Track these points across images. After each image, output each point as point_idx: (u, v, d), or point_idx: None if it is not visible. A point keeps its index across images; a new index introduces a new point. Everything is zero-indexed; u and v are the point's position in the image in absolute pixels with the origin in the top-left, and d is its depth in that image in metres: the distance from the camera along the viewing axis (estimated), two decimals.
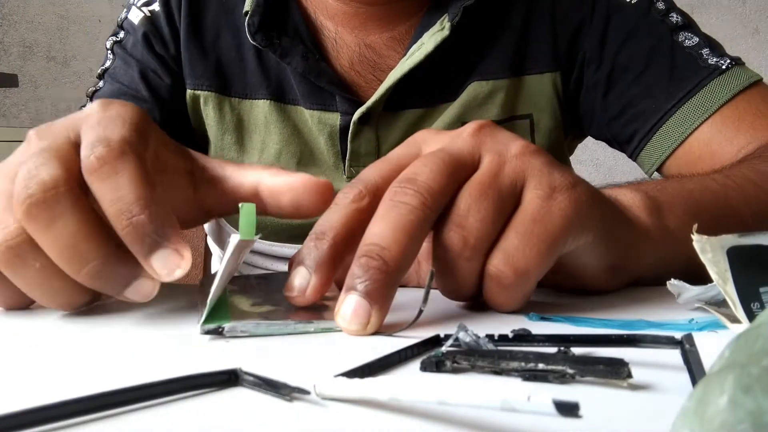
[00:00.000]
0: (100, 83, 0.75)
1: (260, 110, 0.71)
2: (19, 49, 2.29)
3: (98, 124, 0.38)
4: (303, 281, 0.37)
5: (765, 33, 2.23)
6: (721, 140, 0.65)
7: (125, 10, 0.76)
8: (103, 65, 0.76)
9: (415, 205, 0.35)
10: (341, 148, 0.70)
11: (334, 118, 0.70)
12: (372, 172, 0.39)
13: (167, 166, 0.42)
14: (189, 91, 0.72)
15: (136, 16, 0.74)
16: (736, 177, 0.52)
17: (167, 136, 0.43)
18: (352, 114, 0.68)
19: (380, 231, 0.35)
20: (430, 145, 0.40)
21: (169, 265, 0.35)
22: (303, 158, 0.71)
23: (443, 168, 0.37)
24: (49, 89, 2.30)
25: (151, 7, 0.73)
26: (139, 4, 0.74)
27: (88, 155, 0.36)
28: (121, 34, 0.75)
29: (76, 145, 0.38)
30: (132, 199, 0.35)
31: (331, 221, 0.37)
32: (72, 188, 0.36)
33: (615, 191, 0.45)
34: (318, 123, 0.70)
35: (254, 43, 0.68)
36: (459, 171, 0.37)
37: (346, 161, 0.70)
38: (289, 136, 0.71)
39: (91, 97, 0.75)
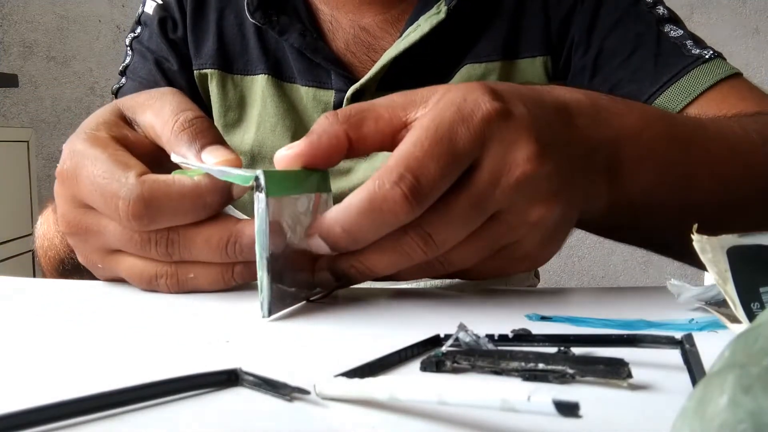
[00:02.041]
0: (123, 80, 0.78)
1: (258, 85, 0.73)
2: (19, 49, 2.29)
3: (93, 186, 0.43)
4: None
5: (765, 33, 2.23)
6: None
7: (141, 5, 0.79)
8: (124, 62, 0.78)
9: (399, 215, 0.37)
10: None
11: (329, 95, 0.71)
12: (372, 128, 0.40)
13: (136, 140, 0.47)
14: (195, 72, 0.75)
15: (150, 7, 0.77)
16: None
17: (123, 126, 0.47)
18: (346, 91, 0.70)
19: (363, 222, 0.37)
20: (436, 110, 0.39)
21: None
22: (297, 133, 0.73)
23: (445, 171, 0.37)
24: (49, 89, 2.29)
25: None
26: None
27: (126, 224, 0.42)
28: (138, 29, 0.78)
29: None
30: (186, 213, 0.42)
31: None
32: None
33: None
34: (313, 99, 0.72)
35: (253, 21, 0.70)
36: (458, 170, 0.38)
37: None
38: (285, 111, 0.72)
39: (116, 93, 0.78)
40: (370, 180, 0.37)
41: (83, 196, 0.43)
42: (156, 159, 0.45)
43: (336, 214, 0.38)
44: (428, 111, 0.39)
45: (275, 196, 0.38)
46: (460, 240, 0.39)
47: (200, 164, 0.42)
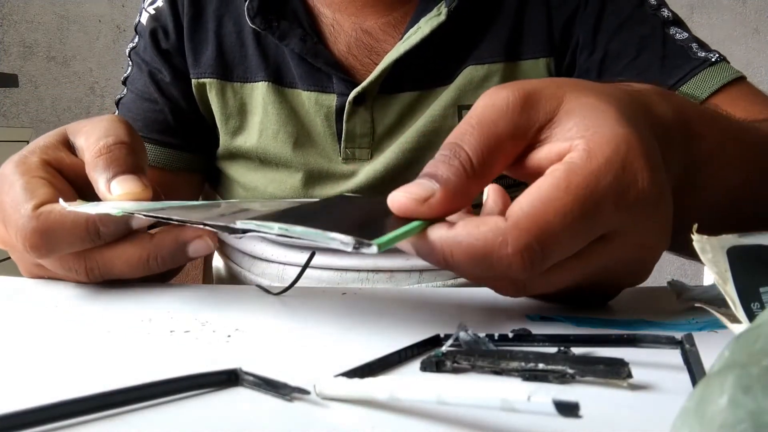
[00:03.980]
0: (124, 90, 0.78)
1: (259, 92, 0.73)
2: (19, 49, 2.29)
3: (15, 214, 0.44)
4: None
5: (765, 33, 2.23)
6: None
7: (138, 15, 0.79)
8: (125, 72, 0.79)
9: (508, 274, 0.34)
10: (337, 129, 0.72)
11: (331, 99, 0.71)
12: (502, 164, 0.36)
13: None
14: (194, 81, 0.74)
15: (144, 18, 0.77)
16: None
17: (51, 150, 0.49)
18: (348, 95, 0.70)
19: (466, 262, 0.34)
20: (591, 170, 0.34)
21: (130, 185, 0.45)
22: (300, 139, 0.72)
23: (578, 245, 0.34)
24: (49, 89, 2.30)
25: (156, 5, 0.76)
26: (146, 6, 0.77)
27: (26, 253, 0.44)
28: (136, 40, 0.78)
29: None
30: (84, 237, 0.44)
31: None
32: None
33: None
34: (315, 104, 0.72)
35: (253, 27, 0.70)
36: (588, 241, 0.35)
37: (342, 142, 0.72)
38: (286, 117, 0.72)
39: (117, 103, 0.78)
40: (491, 228, 0.33)
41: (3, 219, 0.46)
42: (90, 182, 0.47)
43: (442, 243, 0.34)
44: (579, 163, 0.34)
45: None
46: (552, 290, 0.37)
47: (78, 204, 0.42)
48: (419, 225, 0.35)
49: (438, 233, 0.34)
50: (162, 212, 0.39)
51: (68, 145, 0.50)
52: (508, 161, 0.37)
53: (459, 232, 0.33)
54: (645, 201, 0.34)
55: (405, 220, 0.35)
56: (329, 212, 0.40)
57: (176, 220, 0.38)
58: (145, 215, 0.39)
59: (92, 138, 0.47)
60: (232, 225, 0.35)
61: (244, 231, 0.35)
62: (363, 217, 0.39)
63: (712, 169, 0.43)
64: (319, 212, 0.40)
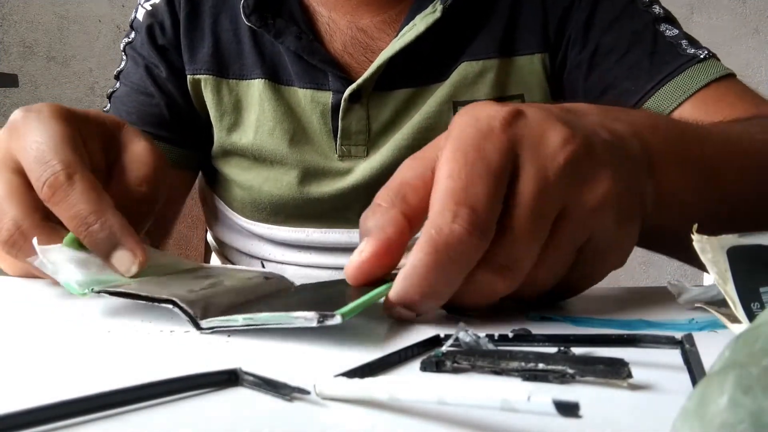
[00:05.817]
0: (117, 84, 0.78)
1: (255, 89, 0.73)
2: (19, 49, 2.29)
3: (31, 149, 0.44)
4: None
5: (765, 33, 2.23)
6: (702, 118, 0.65)
7: (134, 11, 0.79)
8: (118, 67, 0.79)
9: (469, 253, 0.35)
10: (333, 126, 0.72)
11: (326, 97, 0.71)
12: (417, 197, 0.37)
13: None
14: (189, 77, 0.75)
15: (141, 13, 0.77)
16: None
17: (88, 116, 0.49)
18: (344, 92, 0.70)
19: (417, 273, 0.35)
20: (455, 137, 0.37)
21: (125, 263, 0.43)
22: (296, 135, 0.73)
23: (491, 190, 0.35)
24: (49, 89, 2.29)
25: (152, 1, 0.77)
26: (143, 2, 0.78)
27: (40, 187, 0.43)
28: (132, 35, 0.78)
29: (22, 175, 0.44)
30: (86, 213, 0.42)
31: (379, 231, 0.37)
32: (35, 224, 0.43)
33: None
34: (311, 101, 0.72)
35: (249, 24, 0.70)
36: (502, 186, 0.36)
37: (338, 138, 0.72)
38: (282, 114, 0.72)
39: (110, 97, 0.78)
40: (423, 232, 0.35)
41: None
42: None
43: (406, 283, 0.35)
44: (447, 143, 0.37)
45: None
46: (535, 258, 0.37)
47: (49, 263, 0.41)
48: (384, 288, 0.36)
49: (400, 282, 0.36)
50: (131, 287, 0.39)
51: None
52: (422, 193, 0.37)
53: (409, 262, 0.35)
54: (511, 122, 0.37)
55: (367, 289, 0.36)
56: (291, 296, 0.42)
57: (143, 297, 0.38)
58: (110, 292, 0.39)
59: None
60: (198, 320, 0.36)
61: (210, 328, 0.36)
62: (325, 295, 0.39)
63: (659, 136, 0.44)
64: (281, 297, 0.41)
